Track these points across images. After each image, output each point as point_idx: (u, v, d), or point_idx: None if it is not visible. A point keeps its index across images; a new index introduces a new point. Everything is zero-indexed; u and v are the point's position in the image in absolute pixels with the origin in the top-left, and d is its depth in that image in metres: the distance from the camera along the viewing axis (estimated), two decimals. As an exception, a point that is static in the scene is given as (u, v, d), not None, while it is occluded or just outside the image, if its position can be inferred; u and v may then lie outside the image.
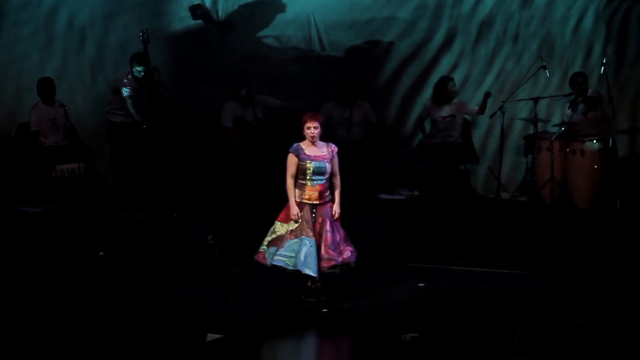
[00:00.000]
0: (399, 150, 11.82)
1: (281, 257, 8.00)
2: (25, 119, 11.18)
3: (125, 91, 10.98)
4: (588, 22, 11.69)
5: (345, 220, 8.21)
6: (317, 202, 8.05)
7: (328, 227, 8.04)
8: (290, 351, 7.36)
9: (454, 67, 11.94)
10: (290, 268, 7.97)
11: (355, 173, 10.49)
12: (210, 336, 7.08)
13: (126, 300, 8.14)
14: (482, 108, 11.30)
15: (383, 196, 11.47)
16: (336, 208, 8.09)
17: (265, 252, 8.09)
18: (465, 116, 11.48)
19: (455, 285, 8.59)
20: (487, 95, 11.23)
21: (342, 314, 7.76)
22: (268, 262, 8.06)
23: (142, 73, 10.86)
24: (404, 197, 11.37)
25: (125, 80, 11.03)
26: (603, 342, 7.03)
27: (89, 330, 7.33)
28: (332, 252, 8.01)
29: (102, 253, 9.45)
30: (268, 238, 8.10)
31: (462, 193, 11.19)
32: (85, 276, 8.83)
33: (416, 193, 11.27)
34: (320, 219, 8.05)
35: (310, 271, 7.93)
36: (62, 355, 6.85)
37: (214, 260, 9.20)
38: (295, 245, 7.98)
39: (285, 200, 8.19)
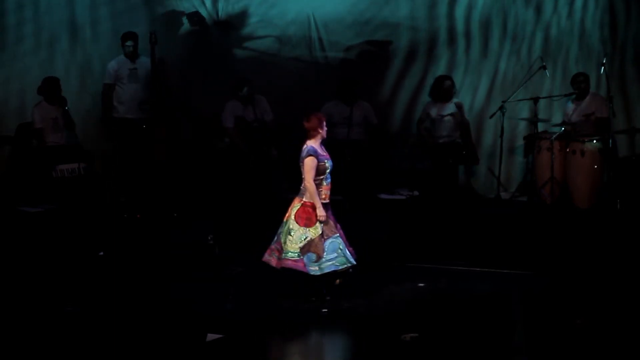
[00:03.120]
0: (399, 150, 11.82)
1: (329, 262, 7.88)
2: (25, 119, 11.18)
3: (107, 79, 11.24)
4: (589, 21, 11.70)
5: (346, 220, 8.21)
6: (328, 200, 8.06)
7: (338, 226, 8.06)
8: (290, 351, 7.35)
9: (454, 67, 11.93)
10: (341, 268, 7.92)
11: (355, 173, 10.48)
12: (210, 336, 7.08)
13: (126, 300, 8.14)
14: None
15: (383, 196, 11.47)
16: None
17: (302, 259, 7.86)
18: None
19: (455, 285, 8.58)
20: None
21: (342, 314, 7.76)
22: (309, 269, 7.85)
23: (132, 47, 11.10)
24: (404, 197, 11.37)
25: (111, 66, 11.17)
26: (603, 342, 7.03)
27: (89, 330, 7.33)
28: (350, 248, 8.03)
29: (102, 253, 9.45)
30: (297, 245, 7.87)
31: (462, 193, 11.21)
32: (85, 276, 8.83)
33: (416, 193, 11.27)
34: (332, 218, 8.06)
35: (354, 261, 7.96)
36: (62, 355, 6.85)
37: (214, 260, 9.19)
38: (335, 244, 7.93)
39: (285, 200, 8.19)
